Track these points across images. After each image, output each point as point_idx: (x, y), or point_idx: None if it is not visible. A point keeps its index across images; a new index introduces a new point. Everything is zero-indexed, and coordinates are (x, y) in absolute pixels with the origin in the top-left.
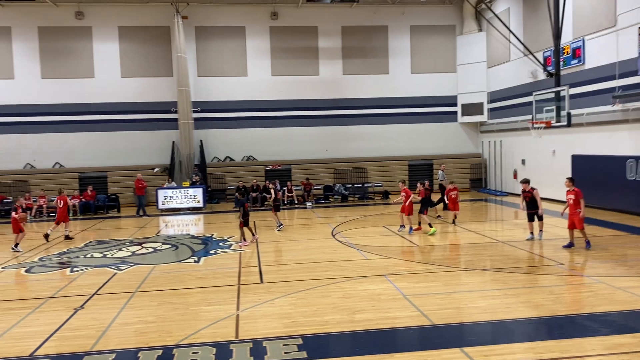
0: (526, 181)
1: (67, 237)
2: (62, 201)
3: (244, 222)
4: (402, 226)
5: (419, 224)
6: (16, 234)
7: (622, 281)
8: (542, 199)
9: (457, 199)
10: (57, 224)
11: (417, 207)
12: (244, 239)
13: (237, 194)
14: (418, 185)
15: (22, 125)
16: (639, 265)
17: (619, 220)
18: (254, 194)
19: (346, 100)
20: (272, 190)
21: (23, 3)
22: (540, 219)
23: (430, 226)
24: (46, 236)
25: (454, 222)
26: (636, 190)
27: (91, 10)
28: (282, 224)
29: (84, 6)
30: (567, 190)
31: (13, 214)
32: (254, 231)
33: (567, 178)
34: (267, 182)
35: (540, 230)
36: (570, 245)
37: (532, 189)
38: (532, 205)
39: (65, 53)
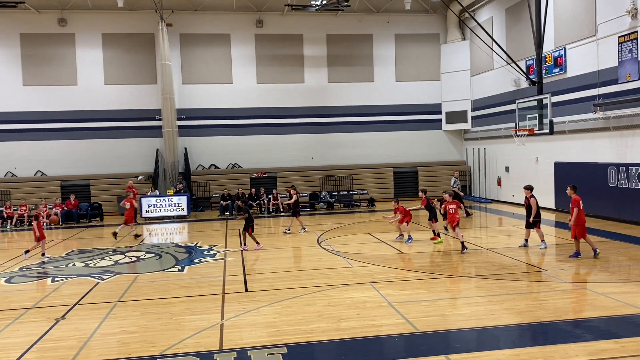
0: (528, 187)
1: (137, 236)
2: (129, 203)
3: (250, 228)
4: (401, 235)
5: (434, 232)
6: (37, 242)
7: (605, 287)
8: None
9: (456, 214)
10: (125, 224)
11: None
12: (245, 244)
13: (238, 202)
14: (420, 193)
15: (3, 132)
16: (621, 271)
17: (601, 227)
18: (239, 202)
19: (331, 108)
20: (294, 195)
21: (5, 9)
22: (533, 226)
23: (438, 236)
24: (114, 234)
25: (445, 228)
26: (617, 197)
27: (74, 17)
28: (304, 227)
29: (67, 13)
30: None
31: (34, 223)
32: (256, 240)
33: (569, 186)
34: (289, 189)
35: (542, 240)
36: (576, 255)
37: (531, 196)
38: (529, 213)
39: (48, 60)
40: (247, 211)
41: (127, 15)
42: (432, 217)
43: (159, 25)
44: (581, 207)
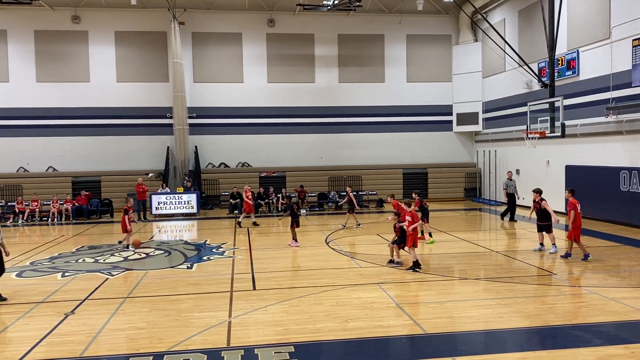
0: (538, 191)
1: (255, 224)
2: (249, 194)
3: (295, 224)
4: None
5: (422, 232)
6: (124, 233)
7: (615, 292)
8: (502, 203)
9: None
10: (247, 213)
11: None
12: (295, 240)
13: (284, 201)
14: (413, 195)
15: (16, 128)
16: (631, 276)
17: (612, 231)
18: None
19: (342, 108)
20: (350, 195)
21: (19, 6)
22: (547, 230)
23: (430, 235)
24: (238, 224)
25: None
26: (629, 201)
27: (88, 15)
28: (360, 224)
29: (81, 10)
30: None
31: (123, 216)
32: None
33: (567, 189)
34: (347, 188)
35: (553, 244)
36: (566, 256)
37: (542, 199)
38: (540, 217)
39: (61, 57)
40: (291, 207)
41: (139, 13)
42: (425, 218)
43: (171, 23)
44: (578, 211)
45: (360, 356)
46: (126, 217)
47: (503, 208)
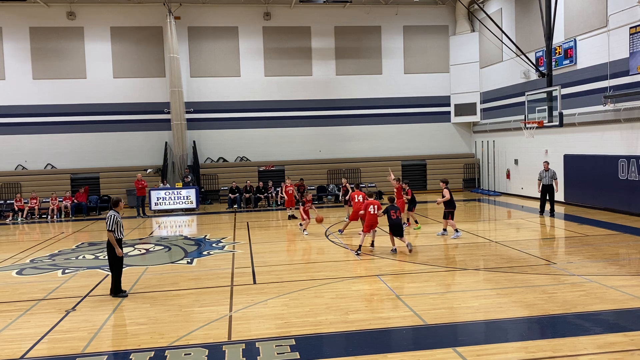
0: (444, 181)
1: (291, 217)
2: (291, 188)
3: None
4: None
5: (407, 220)
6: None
7: (614, 280)
8: (535, 198)
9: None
10: (289, 208)
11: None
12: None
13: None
14: (403, 185)
15: (13, 126)
16: (630, 264)
17: (611, 220)
18: (247, 195)
19: (339, 100)
20: (348, 186)
21: (14, 3)
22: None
23: (417, 222)
24: (291, 217)
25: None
26: (628, 190)
27: (83, 11)
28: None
29: (76, 6)
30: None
31: (301, 208)
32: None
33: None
34: (343, 179)
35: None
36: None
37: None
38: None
39: (57, 53)
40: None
41: (135, 8)
42: (412, 207)
43: (167, 18)
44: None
45: (361, 348)
46: (302, 208)
47: (502, 198)
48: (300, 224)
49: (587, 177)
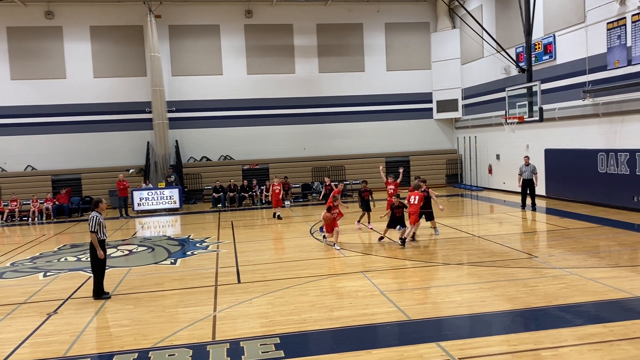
0: (424, 180)
1: (277, 216)
2: (278, 187)
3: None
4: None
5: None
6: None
7: (594, 272)
8: (517, 192)
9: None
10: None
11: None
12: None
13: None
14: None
15: None
16: (610, 256)
17: (591, 213)
18: (231, 194)
19: (323, 98)
20: (332, 185)
21: None
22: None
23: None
24: (276, 216)
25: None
26: (607, 183)
27: (61, 10)
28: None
29: (54, 5)
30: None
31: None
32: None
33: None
34: (326, 178)
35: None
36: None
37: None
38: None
39: (36, 53)
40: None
41: (114, 7)
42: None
43: (147, 17)
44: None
45: (346, 344)
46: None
47: (484, 193)
48: (324, 236)
49: (568, 171)
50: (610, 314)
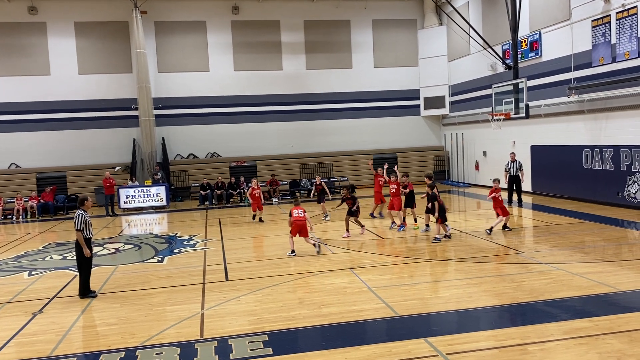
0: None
1: (257, 219)
2: (257, 191)
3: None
4: (394, 223)
5: (404, 219)
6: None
7: (580, 267)
8: (503, 189)
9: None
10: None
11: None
12: (347, 230)
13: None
14: (402, 179)
15: None
16: (595, 251)
17: (576, 208)
18: (219, 191)
19: (310, 95)
20: (323, 184)
21: None
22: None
23: (415, 221)
24: (256, 218)
25: (505, 227)
26: (592, 179)
27: (45, 5)
28: (327, 215)
29: (38, 1)
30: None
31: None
32: (361, 224)
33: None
34: (317, 177)
35: (426, 224)
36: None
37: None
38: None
39: (19, 50)
40: (354, 198)
41: (99, 2)
42: (412, 204)
43: (133, 13)
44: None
45: (335, 341)
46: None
47: (471, 190)
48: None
49: (554, 167)
50: (595, 308)
